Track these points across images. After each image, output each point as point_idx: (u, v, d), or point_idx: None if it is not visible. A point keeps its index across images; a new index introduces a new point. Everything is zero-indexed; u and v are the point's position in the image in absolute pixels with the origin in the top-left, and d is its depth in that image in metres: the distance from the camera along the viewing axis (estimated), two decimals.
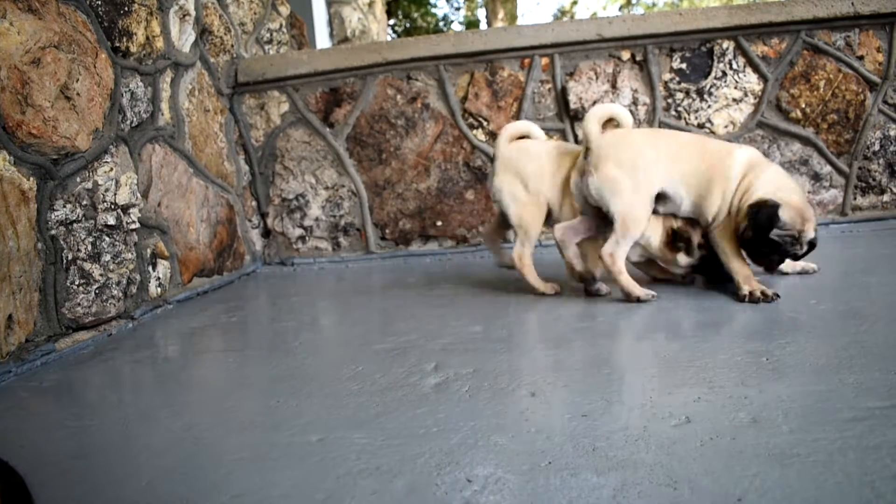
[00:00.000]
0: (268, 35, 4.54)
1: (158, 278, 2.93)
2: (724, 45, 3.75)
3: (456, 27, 19.82)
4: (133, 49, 2.86)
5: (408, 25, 17.79)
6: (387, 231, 4.00)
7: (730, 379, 1.56)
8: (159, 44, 3.08)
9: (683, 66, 3.78)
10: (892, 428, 1.23)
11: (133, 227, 2.73)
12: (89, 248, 2.48)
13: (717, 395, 1.46)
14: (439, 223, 3.95)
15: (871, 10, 3.64)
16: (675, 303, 2.38)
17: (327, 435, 1.43)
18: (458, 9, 19.93)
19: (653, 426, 1.33)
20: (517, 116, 3.84)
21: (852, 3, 3.65)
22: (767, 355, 1.70)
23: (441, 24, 19.23)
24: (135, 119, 2.85)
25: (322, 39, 6.63)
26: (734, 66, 3.75)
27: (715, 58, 3.76)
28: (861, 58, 3.73)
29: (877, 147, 3.76)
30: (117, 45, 2.75)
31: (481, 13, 19.34)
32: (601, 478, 1.14)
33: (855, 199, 3.79)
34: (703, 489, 1.08)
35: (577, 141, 3.81)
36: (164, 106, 3.12)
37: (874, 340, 1.78)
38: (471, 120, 3.88)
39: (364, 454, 1.31)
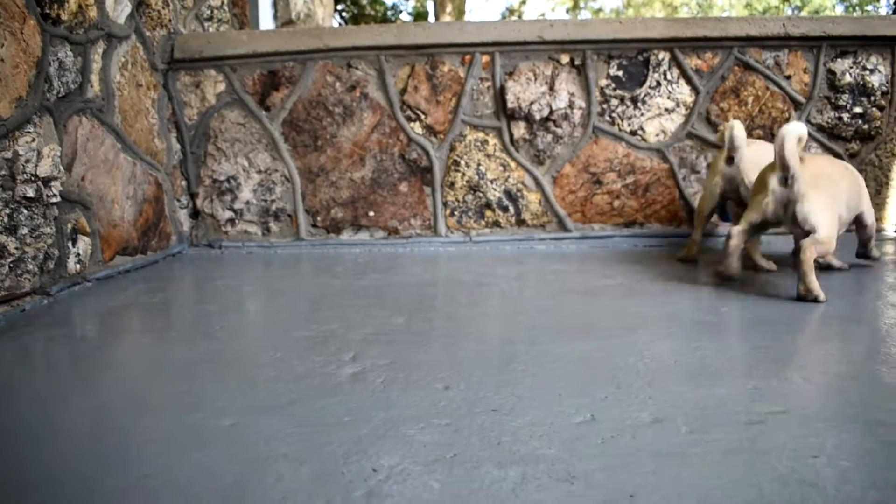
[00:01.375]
0: (208, 12, 4.46)
1: (78, 255, 2.85)
2: (660, 56, 3.84)
3: (405, 17, 19.78)
4: (64, 17, 2.78)
5: (356, 12, 17.67)
6: (318, 218, 3.98)
7: (638, 379, 1.61)
8: (92, 13, 3.00)
9: (620, 73, 3.86)
10: (782, 432, 1.30)
11: (54, 200, 2.66)
12: (5, 219, 2.40)
13: (624, 395, 1.51)
14: (372, 213, 3.95)
15: (801, 32, 3.78)
16: (597, 303, 2.44)
17: (240, 420, 1.43)
18: None
19: (558, 422, 1.37)
20: (455, 112, 3.87)
21: (783, 25, 3.78)
22: (676, 358, 1.77)
23: (390, 13, 19.16)
24: (62, 89, 2.77)
25: (266, 20, 6.53)
26: (668, 76, 3.85)
27: (651, 67, 3.85)
28: (789, 77, 3.87)
29: None
30: (47, 11, 2.67)
31: (430, 5, 19.34)
32: (503, 471, 1.17)
33: None
34: (598, 485, 1.12)
35: (512, 139, 3.86)
36: (94, 78, 3.04)
37: (777, 347, 1.86)
38: (409, 112, 3.88)
39: (273, 440, 1.32)
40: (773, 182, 2.58)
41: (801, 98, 3.89)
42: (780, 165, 2.54)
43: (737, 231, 2.66)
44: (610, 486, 1.11)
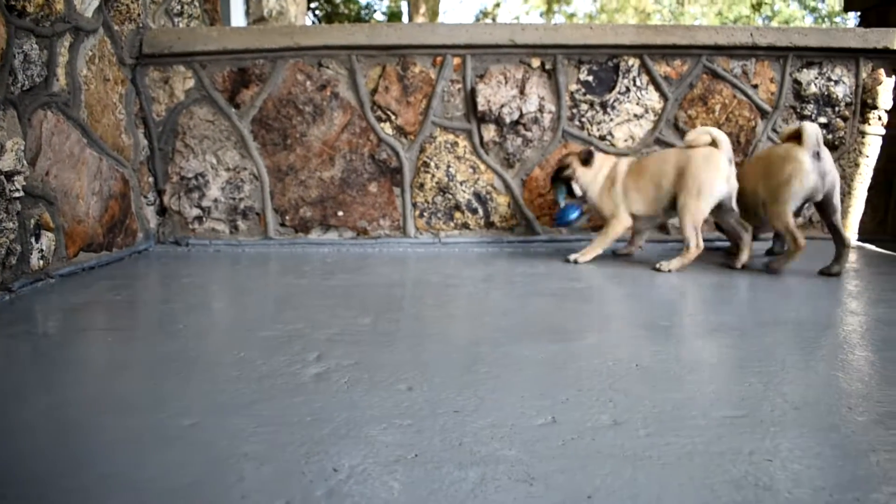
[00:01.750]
0: (178, 7, 4.41)
1: (41, 250, 2.81)
2: (630, 62, 3.88)
3: (379, 17, 19.73)
4: (30, 9, 2.74)
5: (329, 10, 17.60)
6: (287, 217, 3.96)
7: (599, 382, 1.63)
8: (59, 6, 2.96)
9: (590, 78, 3.89)
10: (738, 436, 1.32)
11: (17, 195, 2.62)
12: None
13: (585, 398, 1.53)
14: (340, 213, 3.94)
15: (768, 42, 3.85)
16: (563, 306, 2.46)
17: (201, 419, 1.42)
18: None
19: (519, 424, 1.38)
20: (425, 113, 3.87)
21: (751, 34, 3.85)
22: (638, 361, 1.79)
23: (364, 12, 19.11)
24: (27, 82, 2.73)
25: (237, 17, 6.48)
26: (638, 83, 3.89)
27: (620, 73, 3.89)
28: (756, 86, 3.93)
29: None
30: (13, 3, 2.63)
31: (404, 5, 19.33)
32: (463, 471, 1.18)
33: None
34: (557, 486, 1.13)
35: (482, 142, 3.88)
36: (61, 71, 3.00)
37: (737, 353, 1.89)
38: (379, 112, 3.88)
39: (235, 440, 1.32)
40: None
41: (767, 107, 3.95)
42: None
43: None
44: (568, 488, 1.13)
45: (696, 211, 3.12)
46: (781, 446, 1.28)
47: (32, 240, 2.75)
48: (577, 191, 3.44)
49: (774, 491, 1.12)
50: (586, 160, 3.42)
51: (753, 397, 1.54)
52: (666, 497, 1.10)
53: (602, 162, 3.45)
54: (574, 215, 3.50)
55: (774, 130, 3.96)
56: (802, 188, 2.95)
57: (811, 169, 2.93)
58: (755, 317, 2.31)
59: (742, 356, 1.87)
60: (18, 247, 2.64)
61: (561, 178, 3.48)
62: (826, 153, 2.98)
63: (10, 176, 2.57)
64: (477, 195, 3.94)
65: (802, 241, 2.98)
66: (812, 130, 2.96)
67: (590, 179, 3.42)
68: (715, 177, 3.09)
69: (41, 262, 2.81)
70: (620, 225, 3.37)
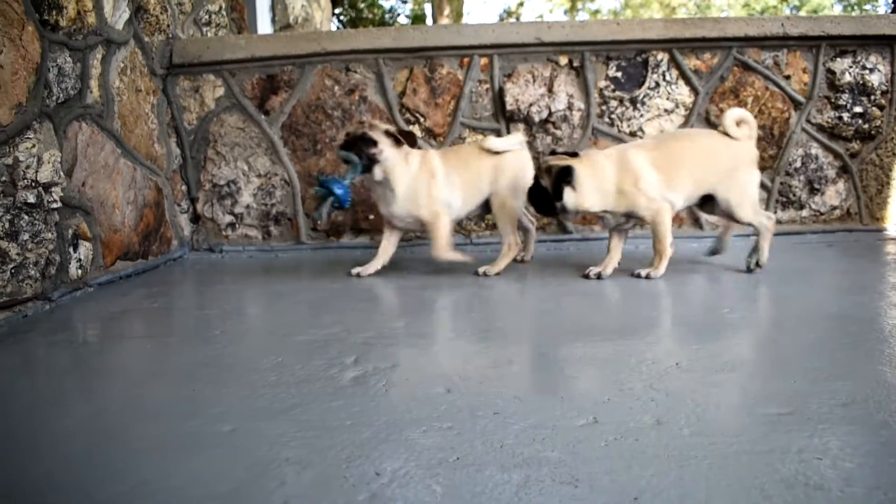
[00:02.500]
0: (206, 17, 4.46)
1: (79, 260, 2.85)
2: (659, 57, 3.84)
3: (402, 20, 19.77)
4: (63, 23, 2.78)
5: (353, 16, 17.66)
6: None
7: (639, 382, 1.61)
8: (91, 19, 3.00)
9: (619, 74, 3.85)
10: (786, 434, 1.29)
11: (55, 206, 2.66)
12: (7, 225, 2.40)
13: (626, 397, 1.51)
14: (371, 217, 3.95)
15: (800, 32, 3.78)
16: (598, 306, 2.44)
17: (240, 425, 1.42)
18: (405, 2, 19.90)
19: (561, 425, 1.36)
20: (454, 114, 3.86)
21: (782, 24, 3.78)
22: (677, 360, 1.76)
23: (387, 16, 19.15)
24: (61, 95, 2.77)
25: (264, 25, 6.53)
26: (667, 77, 3.85)
27: (649, 68, 3.85)
28: (788, 77, 3.87)
29: (798, 164, 3.91)
30: (46, 17, 2.67)
31: (428, 8, 19.33)
32: (506, 474, 1.16)
33: (776, 212, 3.93)
34: (602, 488, 1.11)
35: None
36: (94, 83, 3.04)
37: (779, 350, 1.86)
38: (408, 115, 3.88)
39: (275, 445, 1.31)
40: None
41: (800, 98, 3.88)
42: None
43: None
44: (613, 489, 1.11)
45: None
46: (831, 444, 1.25)
47: (71, 250, 2.79)
48: (378, 175, 2.92)
49: (826, 490, 1.09)
50: (399, 140, 2.94)
51: (799, 394, 1.50)
52: (715, 498, 1.08)
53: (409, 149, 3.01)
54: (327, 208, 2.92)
55: (809, 121, 3.90)
56: None
57: None
58: (793, 312, 2.26)
59: (784, 352, 1.83)
60: (57, 257, 2.68)
61: (360, 151, 2.89)
62: None
63: (47, 187, 2.61)
64: None
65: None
66: None
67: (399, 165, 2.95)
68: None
69: (79, 271, 2.85)
70: (445, 227, 3.01)
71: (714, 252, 3.16)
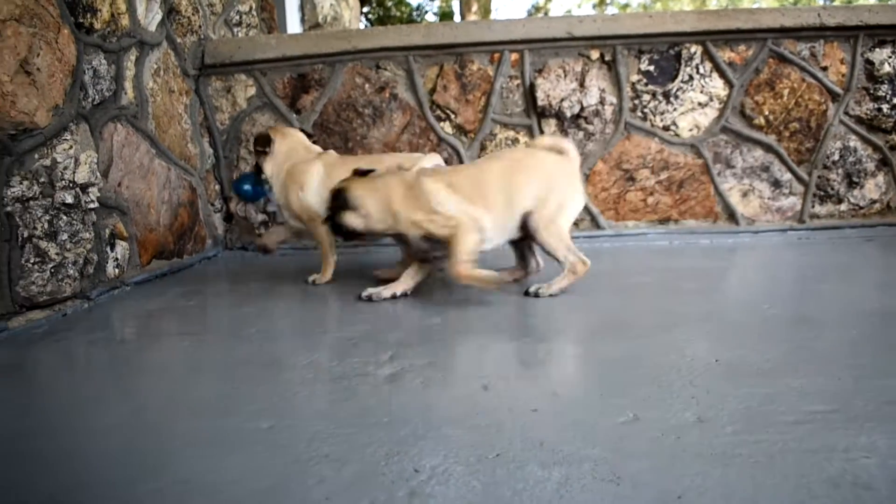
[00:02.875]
0: (237, 17, 4.49)
1: (116, 259, 2.89)
2: (692, 50, 3.79)
3: (430, 18, 19.76)
4: (97, 26, 2.81)
5: (381, 14, 17.69)
6: None
7: (679, 379, 1.58)
8: (125, 21, 3.03)
9: (651, 68, 3.81)
10: (832, 432, 1.26)
11: (92, 206, 2.69)
12: (46, 226, 2.44)
13: (666, 394, 1.49)
14: None
15: (837, 22, 3.71)
16: (633, 302, 2.42)
17: (278, 422, 1.43)
18: None
19: (601, 422, 1.35)
20: (485, 111, 3.85)
21: (818, 15, 3.71)
22: (717, 357, 1.73)
23: (415, 13, 19.16)
24: (97, 97, 2.80)
25: (293, 24, 6.56)
26: (701, 70, 3.80)
27: (682, 61, 3.80)
28: (825, 68, 3.80)
29: (836, 157, 3.83)
30: (81, 20, 2.70)
31: (456, 5, 19.29)
32: (546, 471, 1.15)
33: (813, 207, 3.87)
34: (644, 486, 1.10)
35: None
36: (128, 85, 3.07)
37: (821, 346, 1.82)
38: (438, 112, 3.88)
39: (314, 442, 1.31)
40: None
41: (838, 89, 3.81)
42: None
43: None
44: (657, 487, 1.09)
45: None
46: (878, 443, 1.22)
47: (108, 249, 2.82)
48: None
49: (874, 490, 1.07)
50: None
51: (844, 392, 1.47)
52: (761, 497, 1.06)
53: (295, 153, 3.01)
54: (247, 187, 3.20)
55: (847, 113, 3.82)
56: None
57: None
58: (834, 308, 2.22)
59: (827, 349, 1.80)
60: (95, 256, 2.71)
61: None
62: None
63: (84, 188, 2.64)
64: None
65: None
66: None
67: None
68: None
69: (116, 270, 2.88)
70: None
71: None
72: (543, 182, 2.49)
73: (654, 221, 3.91)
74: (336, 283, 2.99)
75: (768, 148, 3.83)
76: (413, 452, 1.25)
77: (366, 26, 15.78)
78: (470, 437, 1.31)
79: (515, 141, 3.86)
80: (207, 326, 2.41)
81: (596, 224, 3.92)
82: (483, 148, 3.87)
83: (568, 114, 3.80)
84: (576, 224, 3.87)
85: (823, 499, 1.05)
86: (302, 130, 3.15)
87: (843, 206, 3.89)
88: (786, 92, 3.80)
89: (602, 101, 3.82)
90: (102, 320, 2.45)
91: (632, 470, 1.15)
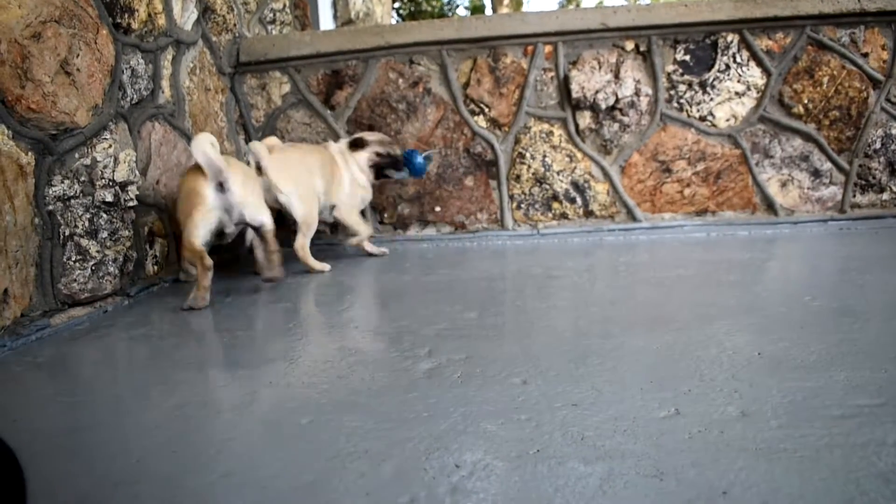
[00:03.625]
0: (271, 15, 4.52)
1: (155, 256, 2.93)
2: (729, 38, 3.73)
3: (461, 12, 19.72)
4: (134, 26, 2.85)
5: (412, 9, 17.70)
6: (385, 215, 4.00)
7: (721, 372, 1.56)
8: (161, 21, 3.07)
9: (687, 57, 3.76)
10: (880, 426, 1.24)
11: (131, 204, 2.73)
12: (86, 224, 2.48)
13: (708, 388, 1.47)
14: (438, 209, 3.95)
15: (878, 7, 3.62)
16: (671, 294, 2.39)
17: (317, 417, 1.43)
18: None
19: (642, 417, 1.33)
20: (519, 104, 3.83)
21: (859, 1, 3.63)
22: (759, 350, 1.71)
23: (446, 8, 19.12)
24: (135, 96, 2.84)
25: (326, 21, 6.59)
26: (738, 59, 3.74)
27: (719, 50, 3.74)
28: (866, 55, 3.71)
29: (878, 145, 3.75)
30: (119, 21, 2.74)
31: None
32: (588, 467, 1.14)
33: (854, 196, 3.79)
34: (688, 481, 1.08)
35: (577, 129, 3.81)
36: (165, 84, 3.11)
37: (866, 338, 1.78)
38: (472, 106, 3.86)
39: (353, 437, 1.32)
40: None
41: (879, 76, 3.72)
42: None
43: None
44: (701, 483, 1.08)
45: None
46: None
47: (147, 246, 2.86)
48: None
49: None
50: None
51: (891, 384, 1.44)
52: (808, 492, 1.04)
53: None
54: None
55: (889, 100, 3.73)
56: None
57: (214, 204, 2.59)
58: (877, 299, 2.18)
59: (871, 341, 1.76)
60: (134, 253, 2.75)
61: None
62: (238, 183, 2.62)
63: (123, 186, 2.68)
64: (574, 184, 3.87)
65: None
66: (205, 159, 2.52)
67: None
68: None
69: (155, 267, 2.92)
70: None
71: None
72: None
73: (692, 213, 3.86)
74: (373, 276, 3.00)
75: (807, 137, 3.76)
76: (453, 448, 1.25)
77: (397, 21, 15.80)
78: (510, 431, 1.30)
79: (550, 134, 3.84)
80: (245, 322, 2.43)
81: (632, 216, 3.88)
82: (517, 141, 3.86)
83: (603, 105, 3.77)
84: (611, 216, 3.85)
85: (874, 494, 1.02)
86: None
87: (886, 196, 3.80)
88: (825, 80, 3.73)
89: (637, 93, 3.78)
90: (142, 317, 2.48)
91: (675, 465, 1.14)
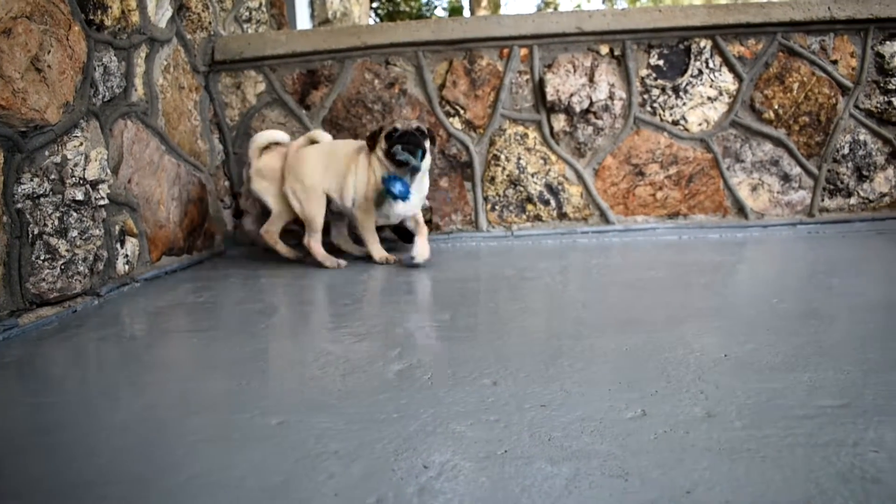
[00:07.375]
0: (247, 13, 4.50)
1: (126, 256, 2.90)
2: (702, 44, 3.78)
3: (439, 13, 19.72)
4: (107, 22, 2.82)
5: (390, 9, 17.66)
6: None
7: (688, 374, 1.58)
8: (135, 18, 3.04)
9: (661, 62, 3.80)
10: (841, 427, 1.26)
11: (102, 203, 2.71)
12: (56, 223, 2.45)
13: (675, 389, 1.49)
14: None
15: (847, 15, 3.69)
16: (643, 296, 2.41)
17: (288, 418, 1.43)
18: None
19: (609, 418, 1.35)
20: (494, 106, 3.85)
21: (829, 8, 3.69)
22: (726, 351, 1.73)
23: (424, 9, 19.11)
24: (107, 94, 2.82)
25: (303, 20, 6.57)
26: (710, 64, 3.79)
27: (692, 56, 3.79)
28: (835, 62, 3.78)
29: (846, 150, 3.82)
30: (91, 17, 2.72)
31: (465, 0, 19.23)
32: (555, 467, 1.16)
33: (823, 200, 3.86)
34: (653, 481, 1.10)
35: (552, 132, 3.83)
36: (138, 81, 3.08)
37: (831, 340, 1.81)
38: (448, 107, 3.88)
39: (323, 438, 1.32)
40: None
41: (848, 83, 3.79)
42: None
43: None
44: (665, 483, 1.09)
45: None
46: (887, 437, 1.21)
47: (118, 246, 2.84)
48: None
49: (884, 484, 1.06)
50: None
51: (853, 386, 1.47)
52: (770, 492, 1.05)
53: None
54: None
55: (857, 107, 3.80)
56: None
57: None
58: (843, 302, 2.21)
59: (836, 343, 1.79)
60: (105, 253, 2.73)
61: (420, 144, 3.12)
62: None
63: (94, 184, 2.66)
64: (549, 186, 3.90)
65: None
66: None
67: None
68: None
69: (126, 266, 2.90)
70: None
71: None
72: None
73: (664, 216, 3.90)
74: (345, 281, 3.00)
75: (778, 142, 3.82)
76: (422, 448, 1.25)
77: (375, 22, 15.77)
78: (478, 432, 1.31)
79: (525, 136, 3.86)
80: (217, 322, 2.42)
81: (605, 219, 3.92)
82: (492, 143, 3.87)
83: (577, 109, 3.80)
84: (585, 219, 3.88)
85: (832, 493, 1.04)
86: None
87: (853, 200, 3.87)
88: (795, 86, 3.79)
89: (611, 96, 3.81)
90: (112, 317, 2.46)
91: (640, 465, 1.15)
